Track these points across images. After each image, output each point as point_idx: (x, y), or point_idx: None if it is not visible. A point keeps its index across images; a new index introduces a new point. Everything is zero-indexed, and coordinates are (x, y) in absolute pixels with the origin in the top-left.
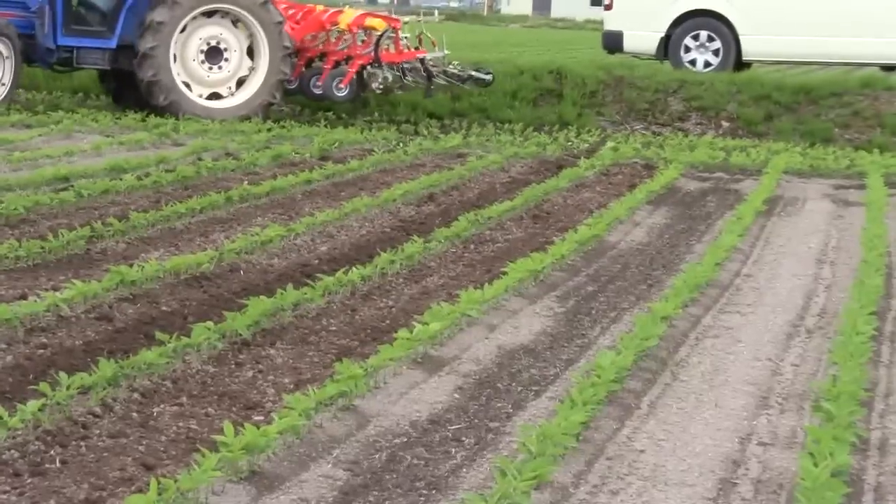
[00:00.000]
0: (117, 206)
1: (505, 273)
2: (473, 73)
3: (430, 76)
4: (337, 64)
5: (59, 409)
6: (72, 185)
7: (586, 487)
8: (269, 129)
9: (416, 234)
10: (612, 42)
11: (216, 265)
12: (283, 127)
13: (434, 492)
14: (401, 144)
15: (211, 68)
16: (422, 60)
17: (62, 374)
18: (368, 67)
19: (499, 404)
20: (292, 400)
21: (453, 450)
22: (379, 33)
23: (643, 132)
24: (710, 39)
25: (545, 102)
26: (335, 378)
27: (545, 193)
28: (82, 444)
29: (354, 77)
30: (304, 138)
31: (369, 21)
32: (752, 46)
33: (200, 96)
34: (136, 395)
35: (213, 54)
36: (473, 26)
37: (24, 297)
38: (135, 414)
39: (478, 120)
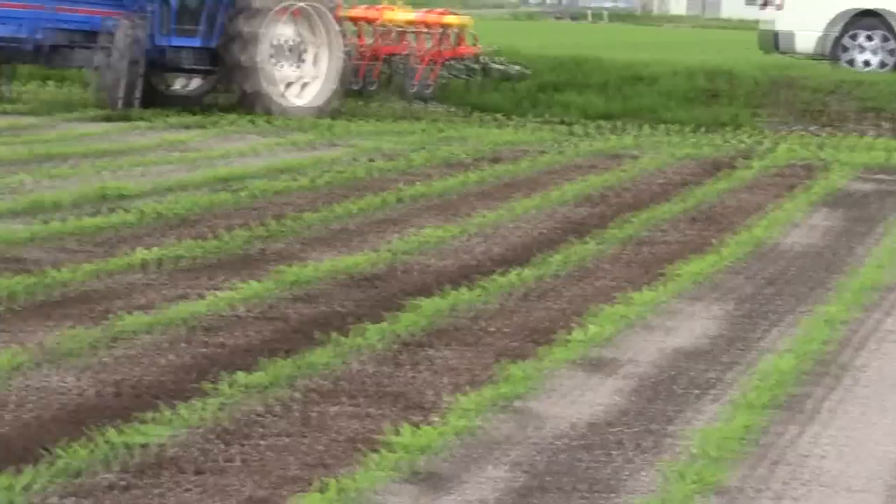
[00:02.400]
0: (284, 206)
1: (668, 275)
2: (516, 68)
3: (485, 71)
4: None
5: (229, 409)
6: (239, 186)
7: (750, 492)
8: (436, 131)
9: (580, 236)
10: (779, 42)
11: (385, 266)
12: (450, 128)
13: (598, 495)
14: (567, 145)
15: (282, 68)
16: (478, 56)
17: (231, 374)
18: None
19: (663, 407)
20: (460, 401)
21: (617, 452)
22: (455, 30)
23: (804, 133)
24: (885, 40)
25: (704, 103)
26: (502, 379)
27: (706, 195)
28: (252, 443)
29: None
30: (470, 139)
31: (447, 19)
32: None
33: (283, 97)
34: (303, 395)
35: (287, 54)
36: (628, 26)
37: (193, 297)
38: (302, 414)
39: (643, 120)
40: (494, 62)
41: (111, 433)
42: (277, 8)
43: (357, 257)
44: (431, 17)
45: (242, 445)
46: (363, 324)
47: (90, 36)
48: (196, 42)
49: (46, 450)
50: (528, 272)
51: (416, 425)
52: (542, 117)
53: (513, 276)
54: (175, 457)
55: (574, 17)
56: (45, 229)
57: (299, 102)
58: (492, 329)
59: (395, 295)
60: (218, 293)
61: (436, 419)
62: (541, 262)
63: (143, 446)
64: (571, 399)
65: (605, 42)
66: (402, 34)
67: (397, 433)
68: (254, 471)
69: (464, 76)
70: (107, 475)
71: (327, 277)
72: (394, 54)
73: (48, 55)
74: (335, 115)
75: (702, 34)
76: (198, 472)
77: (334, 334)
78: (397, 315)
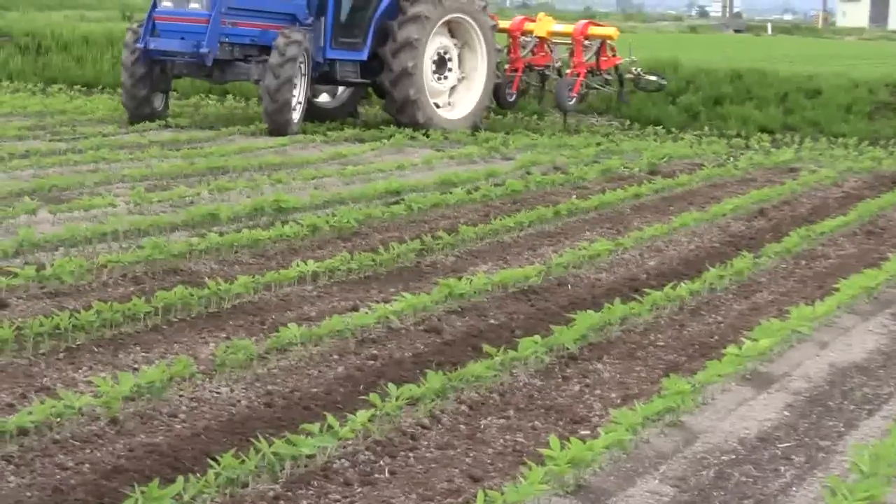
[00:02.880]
0: (447, 219)
1: (837, 289)
2: (653, 78)
3: (621, 81)
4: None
5: (388, 420)
6: (403, 199)
7: None
8: (598, 144)
9: (745, 250)
10: None
11: (544, 279)
12: (612, 141)
13: None
14: (731, 159)
15: (438, 80)
16: (616, 67)
17: (391, 386)
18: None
19: (830, 422)
20: (619, 415)
21: (783, 468)
22: (601, 42)
23: None
24: None
25: (882, 116)
26: (662, 393)
27: (880, 209)
28: (411, 454)
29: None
30: (633, 152)
31: (593, 30)
32: None
33: (438, 107)
34: (463, 408)
35: (441, 66)
36: (807, 39)
37: (355, 308)
38: (462, 426)
39: (810, 134)
40: (631, 73)
41: (276, 444)
42: (439, 16)
43: (521, 270)
44: (582, 29)
45: (402, 457)
46: (526, 337)
47: (261, 50)
48: (354, 55)
49: (213, 459)
50: (693, 286)
51: (578, 439)
52: (710, 130)
53: (681, 289)
54: (338, 468)
55: (738, 30)
56: (217, 241)
57: (451, 115)
58: (655, 343)
59: (557, 308)
60: (381, 305)
61: (595, 433)
62: (706, 276)
63: (306, 457)
64: (733, 414)
65: (774, 55)
66: (540, 46)
67: (558, 446)
68: (414, 482)
69: (600, 87)
70: (268, 486)
71: (490, 290)
72: (536, 66)
73: (218, 69)
74: (484, 127)
75: (876, 47)
76: (360, 484)
77: (496, 347)
78: (560, 328)
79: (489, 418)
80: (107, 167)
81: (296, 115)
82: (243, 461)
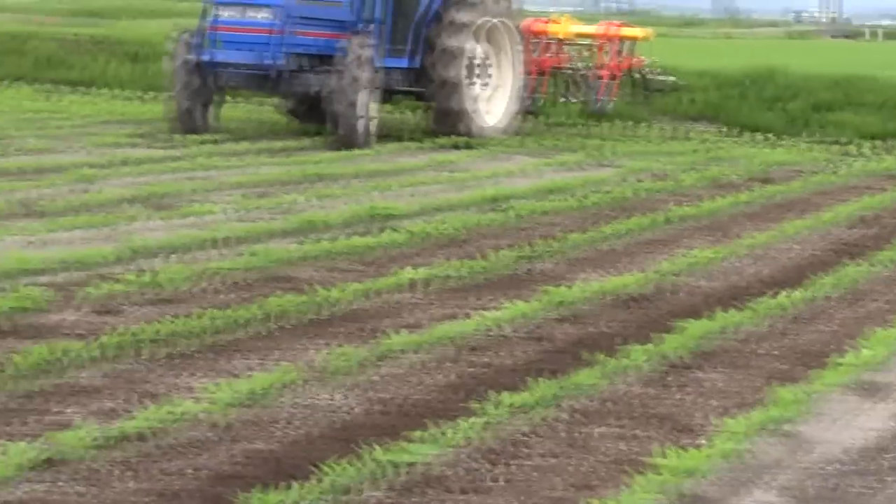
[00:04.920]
0: (552, 226)
1: None
2: (671, 80)
3: (645, 82)
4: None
5: (493, 428)
6: (507, 206)
7: None
8: (706, 151)
9: (850, 257)
10: None
11: (649, 287)
12: (715, 148)
13: None
14: (835, 166)
15: (474, 86)
16: (640, 69)
17: (498, 393)
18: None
19: None
20: (728, 424)
21: (892, 479)
22: (632, 44)
23: None
24: None
25: None
26: (771, 402)
27: None
28: (516, 463)
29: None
30: (735, 159)
31: (630, 31)
32: None
33: (478, 114)
34: (569, 416)
35: (476, 72)
36: None
37: (459, 316)
38: (567, 434)
39: None
40: (650, 73)
41: (378, 451)
42: (479, 23)
43: (624, 278)
44: (612, 31)
45: (508, 465)
46: (630, 345)
47: (320, 60)
48: (405, 62)
49: (315, 466)
50: (798, 294)
51: (683, 448)
52: (815, 137)
53: (783, 297)
54: (441, 476)
55: (849, 36)
56: (316, 248)
57: (489, 123)
58: (761, 351)
59: (662, 316)
60: (485, 313)
61: (703, 442)
62: (812, 283)
63: (410, 465)
64: (843, 423)
65: (875, 60)
66: (559, 47)
67: (664, 455)
68: (519, 491)
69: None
70: (373, 493)
71: (594, 298)
72: (561, 68)
73: (279, 81)
74: (521, 132)
75: None
76: (463, 492)
77: (601, 355)
78: (665, 336)
79: (595, 426)
80: (212, 174)
81: (363, 125)
82: (350, 468)
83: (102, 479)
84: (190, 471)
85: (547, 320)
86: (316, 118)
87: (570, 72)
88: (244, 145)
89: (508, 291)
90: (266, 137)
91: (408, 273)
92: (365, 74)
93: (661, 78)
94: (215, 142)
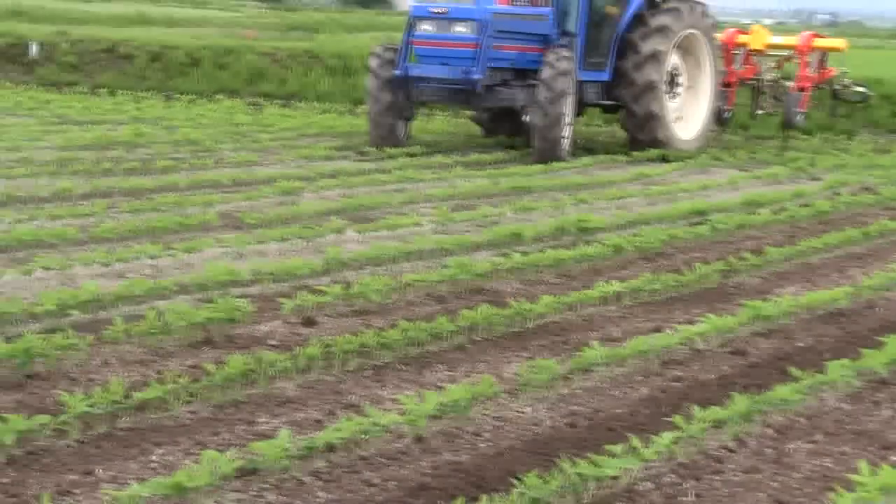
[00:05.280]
0: (753, 240)
1: None
2: (860, 90)
3: (834, 94)
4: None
5: (692, 443)
6: (707, 219)
7: None
8: None
9: None
10: None
11: (853, 301)
12: None
13: None
14: None
15: (670, 98)
16: (830, 80)
17: (696, 408)
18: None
19: None
20: None
21: None
22: (822, 55)
23: None
24: None
25: None
26: None
27: None
28: (716, 478)
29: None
30: None
31: (827, 42)
32: None
33: (674, 126)
34: (769, 431)
35: (670, 84)
36: None
37: (659, 329)
38: (768, 450)
39: None
40: (841, 84)
41: (579, 465)
42: (682, 30)
43: (829, 292)
44: (810, 42)
45: (710, 481)
46: (834, 360)
47: (517, 74)
48: (605, 76)
49: (516, 479)
50: None
51: (889, 465)
52: None
53: None
54: (642, 490)
55: None
56: (522, 261)
57: (684, 135)
58: None
59: (865, 331)
60: (685, 327)
61: None
62: None
63: (607, 479)
64: None
65: None
66: (748, 58)
67: (869, 473)
68: None
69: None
70: None
71: (798, 312)
72: (752, 79)
73: (479, 95)
74: (706, 148)
75: None
76: None
77: (804, 370)
78: (870, 351)
79: (796, 442)
80: (412, 187)
81: (566, 140)
82: (547, 481)
83: (301, 490)
84: (387, 482)
85: (750, 334)
86: (501, 130)
87: (768, 83)
88: (438, 158)
89: (709, 305)
90: (459, 150)
91: (612, 286)
92: (567, 88)
93: (853, 89)
94: (412, 155)
